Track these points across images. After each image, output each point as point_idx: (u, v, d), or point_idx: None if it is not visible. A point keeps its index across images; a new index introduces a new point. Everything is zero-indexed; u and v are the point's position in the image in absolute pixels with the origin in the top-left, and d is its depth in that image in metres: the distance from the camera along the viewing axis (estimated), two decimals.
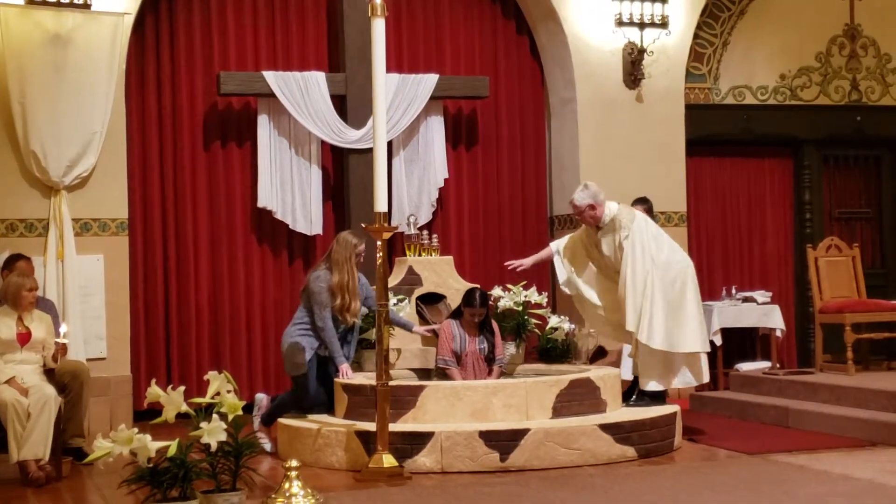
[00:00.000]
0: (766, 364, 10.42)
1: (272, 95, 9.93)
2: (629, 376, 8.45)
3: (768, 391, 9.24)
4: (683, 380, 8.07)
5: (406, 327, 8.33)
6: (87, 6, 9.16)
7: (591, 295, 8.36)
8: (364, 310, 8.05)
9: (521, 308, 8.91)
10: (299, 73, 10.07)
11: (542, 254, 8.69)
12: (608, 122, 10.71)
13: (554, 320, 8.96)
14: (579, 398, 7.46)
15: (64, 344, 7.46)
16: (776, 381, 9.43)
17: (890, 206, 11.99)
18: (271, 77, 9.93)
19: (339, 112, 10.09)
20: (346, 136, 10.06)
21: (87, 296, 9.17)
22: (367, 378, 7.69)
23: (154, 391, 5.66)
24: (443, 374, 8.06)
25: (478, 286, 8.65)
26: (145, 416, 7.65)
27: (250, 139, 10.16)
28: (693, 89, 11.25)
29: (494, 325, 8.36)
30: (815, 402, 8.85)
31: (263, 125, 10.06)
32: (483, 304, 8.21)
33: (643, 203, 9.43)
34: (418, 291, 8.90)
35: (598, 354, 9.55)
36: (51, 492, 6.80)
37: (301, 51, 10.39)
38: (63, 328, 7.55)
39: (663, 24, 10.63)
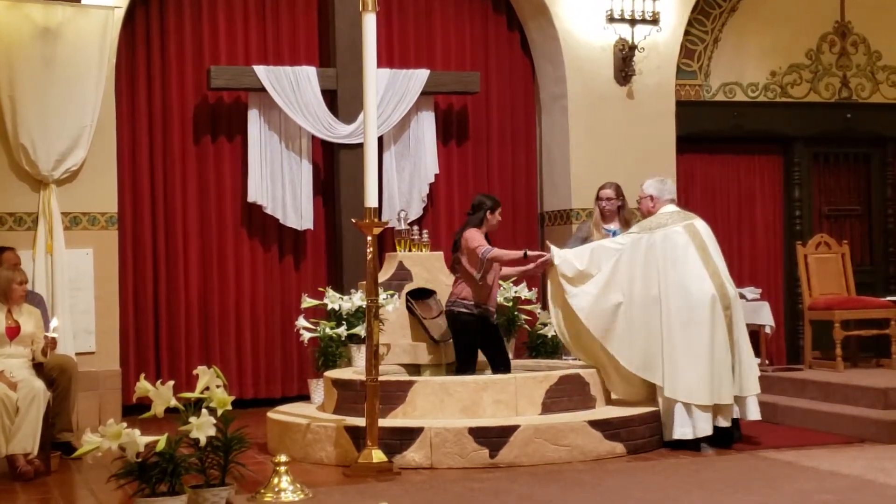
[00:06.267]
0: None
1: (263, 90, 9.92)
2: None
3: None
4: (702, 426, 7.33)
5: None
6: (76, 0, 9.13)
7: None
8: None
9: (511, 304, 8.92)
10: (290, 67, 10.06)
11: None
12: (599, 119, 10.71)
13: (544, 316, 8.96)
14: (568, 394, 7.46)
15: (54, 338, 7.42)
16: (765, 378, 9.38)
17: (879, 204, 12.01)
18: (262, 71, 9.92)
19: (330, 107, 10.08)
20: (337, 131, 10.04)
21: (76, 290, 9.14)
22: (356, 373, 7.70)
23: (143, 386, 5.66)
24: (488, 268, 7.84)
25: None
26: (134, 410, 7.63)
27: (240, 134, 10.14)
28: (684, 86, 11.25)
29: None
30: (803, 398, 8.87)
31: (254, 120, 10.04)
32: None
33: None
34: (408, 287, 8.89)
35: None
36: (39, 486, 6.79)
37: (292, 45, 10.38)
38: (53, 322, 7.53)
39: (654, 21, 10.64)
